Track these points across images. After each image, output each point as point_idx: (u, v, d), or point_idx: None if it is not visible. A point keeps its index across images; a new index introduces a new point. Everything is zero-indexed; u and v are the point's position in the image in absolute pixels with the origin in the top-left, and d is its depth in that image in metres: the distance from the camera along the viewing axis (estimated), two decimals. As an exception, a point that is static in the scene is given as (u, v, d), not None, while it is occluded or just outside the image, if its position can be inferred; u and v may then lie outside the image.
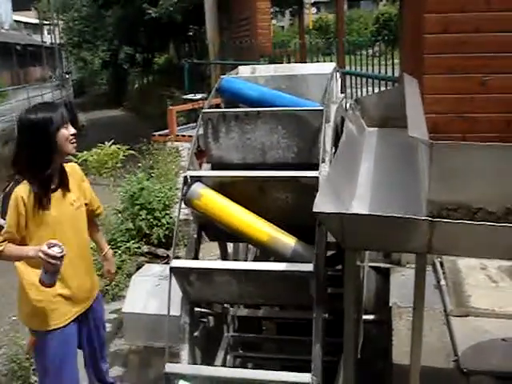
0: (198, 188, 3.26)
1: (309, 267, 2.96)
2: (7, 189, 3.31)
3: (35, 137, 3.31)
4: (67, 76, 42.38)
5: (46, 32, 51.41)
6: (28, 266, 3.42)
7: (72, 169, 3.62)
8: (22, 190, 3.28)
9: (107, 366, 4.02)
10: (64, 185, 3.48)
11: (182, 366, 3.23)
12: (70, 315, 3.57)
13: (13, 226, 3.28)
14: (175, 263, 3.23)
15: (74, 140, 3.42)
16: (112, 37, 29.95)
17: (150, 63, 32.04)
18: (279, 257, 3.16)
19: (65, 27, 39.27)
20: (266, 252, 3.40)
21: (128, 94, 35.27)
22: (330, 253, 3.49)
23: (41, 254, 3.10)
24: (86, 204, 3.69)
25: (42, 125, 3.29)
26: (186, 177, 3.31)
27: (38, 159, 3.32)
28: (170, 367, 3.16)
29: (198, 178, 3.33)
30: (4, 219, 3.26)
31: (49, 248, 3.09)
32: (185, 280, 3.24)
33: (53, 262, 3.10)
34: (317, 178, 3.05)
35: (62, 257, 3.12)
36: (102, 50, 32.11)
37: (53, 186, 3.42)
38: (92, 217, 3.84)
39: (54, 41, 42.70)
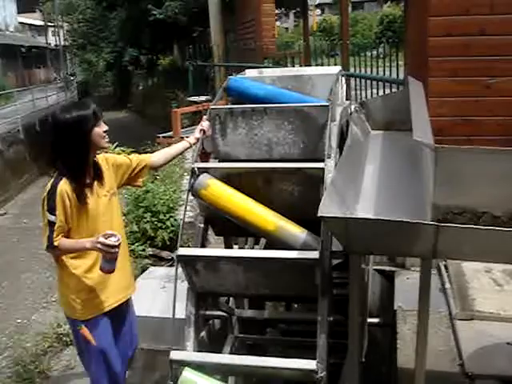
0: (205, 178, 3.29)
1: (314, 255, 2.97)
2: (49, 186, 3.39)
3: (71, 136, 3.40)
4: (72, 78, 42.48)
5: (50, 34, 51.56)
6: (69, 257, 3.51)
7: (101, 159, 3.68)
8: (66, 186, 3.38)
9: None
10: (99, 177, 3.57)
11: (187, 353, 3.23)
12: (108, 305, 3.63)
13: (63, 221, 3.38)
14: (182, 251, 3.24)
15: (106, 137, 3.51)
16: (116, 38, 29.96)
17: (155, 65, 32.04)
18: (286, 246, 3.17)
19: (69, 29, 39.36)
20: (273, 242, 3.40)
21: (132, 95, 35.31)
22: (336, 261, 3.49)
23: (99, 246, 3.22)
24: (133, 171, 3.76)
25: (78, 124, 3.37)
26: (193, 168, 3.34)
27: (74, 157, 3.42)
28: (175, 354, 3.15)
29: (206, 170, 3.36)
30: (53, 215, 3.34)
31: (106, 238, 3.22)
32: (191, 268, 3.25)
33: (112, 250, 3.23)
34: (322, 169, 3.07)
35: (118, 245, 3.25)
36: (107, 51, 32.11)
37: (88, 180, 3.51)
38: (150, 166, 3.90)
39: (58, 43, 42.80)
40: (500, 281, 4.38)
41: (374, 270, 4.60)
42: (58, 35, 42.75)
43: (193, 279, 3.30)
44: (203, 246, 3.54)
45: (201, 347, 3.44)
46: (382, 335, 4.45)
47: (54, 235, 3.35)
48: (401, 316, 4.14)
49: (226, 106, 3.68)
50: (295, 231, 3.17)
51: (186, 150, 3.88)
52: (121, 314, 3.79)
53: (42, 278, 8.99)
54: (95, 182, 3.54)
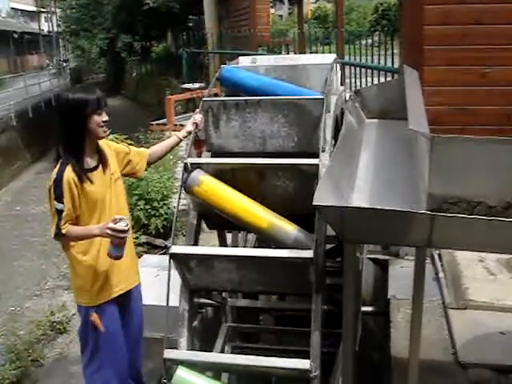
0: (198, 175, 3.26)
1: (308, 254, 2.96)
2: (55, 175, 3.37)
3: (69, 117, 3.40)
4: (65, 64, 42.19)
5: (43, 20, 51.15)
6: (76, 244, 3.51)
7: (104, 144, 3.66)
8: (69, 173, 3.37)
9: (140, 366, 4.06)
10: (103, 163, 3.55)
11: (181, 352, 3.23)
12: (112, 293, 3.63)
13: (71, 209, 3.36)
14: (175, 249, 3.23)
15: (105, 126, 3.47)
16: (110, 25, 29.75)
17: (148, 52, 31.87)
18: (279, 244, 3.16)
19: (62, 15, 38.97)
20: (266, 239, 3.39)
21: (126, 82, 35.14)
22: (329, 246, 3.48)
23: (108, 231, 3.21)
24: (129, 162, 3.75)
25: (77, 106, 3.36)
26: (186, 164, 3.31)
27: (72, 139, 3.42)
28: (168, 353, 3.16)
29: (198, 165, 3.33)
30: (61, 203, 3.33)
31: (115, 223, 3.21)
32: (184, 266, 3.24)
33: (122, 235, 3.22)
34: (317, 165, 3.04)
35: (127, 230, 3.24)
36: (100, 38, 31.86)
37: (94, 165, 3.50)
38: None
39: (51, 29, 42.47)
40: (493, 270, 4.39)
41: (368, 258, 4.60)
42: (51, 21, 42.42)
43: (186, 276, 3.29)
44: (196, 241, 3.51)
45: (194, 336, 3.44)
46: (376, 324, 4.46)
47: (62, 223, 3.33)
48: (394, 305, 4.16)
49: (218, 98, 3.64)
50: (288, 229, 3.15)
51: (178, 144, 3.86)
52: (130, 300, 3.78)
53: (35, 266, 8.98)
54: (100, 167, 3.52)
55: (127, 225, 3.24)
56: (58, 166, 3.40)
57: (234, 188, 3.26)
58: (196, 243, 3.52)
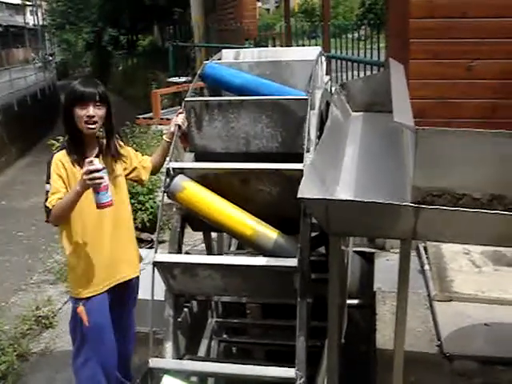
0: (180, 181, 3.21)
1: (293, 262, 2.93)
2: (50, 156, 3.41)
3: (64, 102, 3.45)
4: (50, 58, 41.86)
5: (28, 13, 50.73)
6: (63, 234, 3.49)
7: (116, 142, 3.65)
8: (61, 156, 3.38)
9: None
10: (103, 155, 3.50)
11: (166, 361, 3.22)
12: (102, 287, 3.60)
13: (57, 186, 3.32)
14: (158, 258, 3.19)
15: (89, 122, 3.37)
16: (96, 18, 29.68)
17: (134, 45, 31.79)
18: (263, 250, 3.14)
19: (48, 8, 38.84)
20: (250, 246, 3.38)
21: (112, 76, 34.98)
22: (313, 234, 3.48)
23: (85, 176, 3.08)
24: (134, 168, 3.73)
25: (67, 95, 3.42)
26: (168, 169, 3.25)
27: (66, 128, 3.44)
28: (154, 362, 3.15)
29: (181, 170, 3.28)
30: (48, 183, 3.33)
31: (89, 165, 3.08)
32: (168, 274, 3.22)
33: (98, 175, 3.07)
34: (301, 170, 2.98)
35: (103, 168, 3.10)
36: (86, 31, 31.81)
37: (90, 154, 3.44)
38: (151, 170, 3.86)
39: (36, 22, 42.09)
40: (478, 262, 4.42)
41: (354, 251, 4.61)
42: (37, 14, 42.02)
43: (170, 283, 3.27)
44: (180, 246, 3.48)
45: (180, 331, 3.43)
46: (362, 316, 4.48)
47: (49, 199, 3.29)
48: (380, 297, 4.18)
49: (201, 99, 3.59)
50: (272, 236, 3.12)
51: (169, 147, 3.78)
52: (125, 291, 3.75)
53: (21, 261, 8.93)
54: (100, 157, 3.46)
55: (101, 164, 3.11)
56: (55, 151, 3.43)
57: (217, 193, 3.22)
58: (180, 248, 3.49)
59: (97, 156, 3.47)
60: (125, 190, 3.72)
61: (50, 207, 3.29)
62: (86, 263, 3.53)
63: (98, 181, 3.09)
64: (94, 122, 3.39)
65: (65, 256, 3.65)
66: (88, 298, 3.55)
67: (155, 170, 3.90)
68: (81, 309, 3.53)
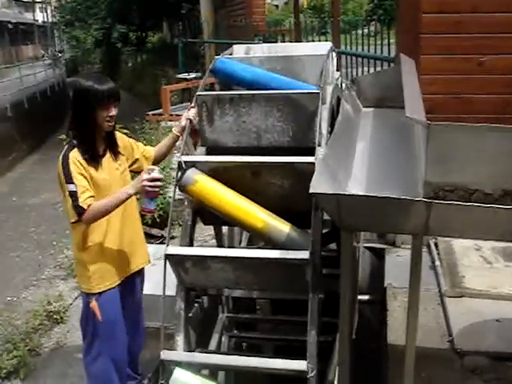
0: (192, 174, 3.22)
1: (305, 255, 2.93)
2: (61, 159, 3.35)
3: (78, 105, 3.40)
4: (60, 55, 41.96)
5: (38, 10, 50.92)
6: (82, 227, 3.47)
7: (117, 134, 3.68)
8: (76, 154, 3.35)
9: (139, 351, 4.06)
10: (111, 150, 3.55)
11: (178, 353, 3.22)
12: (117, 279, 3.64)
13: (86, 186, 3.33)
14: (170, 250, 3.20)
15: (111, 121, 3.43)
16: (105, 15, 29.63)
17: (144, 42, 31.78)
18: (274, 243, 3.14)
19: (57, 5, 38.86)
20: (262, 239, 3.38)
21: (121, 72, 35.01)
22: (324, 230, 3.48)
23: (145, 183, 3.19)
24: (136, 160, 3.76)
25: (86, 97, 3.34)
26: (180, 162, 3.26)
27: (80, 126, 3.41)
28: (165, 354, 3.16)
29: (193, 164, 3.29)
30: (71, 183, 3.29)
31: (149, 174, 3.20)
32: (180, 267, 3.22)
33: (158, 184, 3.23)
34: (313, 163, 2.98)
35: (162, 177, 3.26)
36: (95, 28, 31.76)
37: (101, 152, 3.49)
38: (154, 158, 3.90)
39: (46, 19, 42.23)
40: (489, 258, 4.41)
41: (365, 247, 4.61)
42: (46, 11, 42.17)
43: (182, 276, 3.27)
44: (191, 239, 3.49)
45: (191, 326, 3.43)
46: (373, 312, 4.47)
47: (80, 199, 3.27)
48: (391, 293, 4.17)
49: (212, 93, 3.59)
50: (284, 228, 3.12)
51: (177, 141, 3.83)
52: (134, 283, 3.80)
53: (32, 256, 8.96)
54: (108, 154, 3.52)
55: (161, 173, 3.26)
56: (62, 152, 3.38)
57: (229, 186, 3.22)
58: (191, 242, 3.50)
59: (105, 152, 3.51)
60: (130, 182, 3.74)
61: (86, 207, 3.28)
62: (100, 259, 3.55)
63: (157, 189, 3.24)
64: (114, 120, 3.46)
65: (76, 252, 3.63)
66: (101, 293, 3.57)
67: (156, 161, 3.92)
68: (94, 303, 3.55)
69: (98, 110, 3.34)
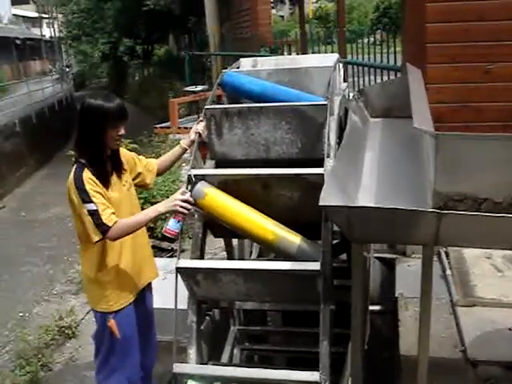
0: (202, 187, 3.24)
1: (316, 266, 2.93)
2: (72, 180, 3.29)
3: (88, 125, 3.34)
4: (67, 69, 42.16)
5: (45, 25, 51.26)
6: (98, 248, 3.45)
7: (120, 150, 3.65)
8: (89, 174, 3.30)
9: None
10: (117, 168, 3.52)
11: (191, 366, 3.23)
12: (133, 295, 3.63)
13: (106, 203, 3.28)
14: (181, 263, 3.21)
15: (119, 139, 3.43)
16: (111, 29, 29.82)
17: (150, 55, 31.95)
18: (285, 255, 3.15)
19: (64, 20, 39.12)
20: (272, 251, 3.39)
21: (128, 86, 35.19)
22: (334, 241, 3.48)
23: (177, 203, 3.16)
24: (139, 174, 3.74)
25: (96, 117, 3.30)
26: (189, 175, 3.28)
27: (90, 145, 3.36)
28: (178, 367, 3.16)
29: (202, 177, 3.30)
30: (90, 202, 3.23)
31: (183, 195, 3.18)
32: (191, 280, 3.23)
33: (189, 207, 3.18)
34: (322, 175, 3.00)
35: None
36: (102, 42, 31.93)
37: (108, 169, 3.46)
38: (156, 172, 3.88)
39: (53, 34, 42.45)
40: (501, 267, 4.39)
41: (375, 257, 4.60)
42: (53, 27, 42.37)
43: (193, 289, 3.28)
44: (202, 252, 3.50)
45: (202, 339, 3.44)
46: (384, 322, 4.46)
47: (104, 216, 3.23)
48: (402, 303, 4.16)
49: (221, 106, 3.61)
50: (294, 240, 3.13)
51: (183, 154, 3.84)
52: (143, 298, 3.78)
53: (43, 271, 8.99)
54: (114, 173, 3.49)
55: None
56: (72, 172, 3.32)
57: (238, 198, 3.23)
58: (202, 255, 3.51)
59: (112, 170, 3.49)
60: (137, 201, 3.77)
61: (111, 224, 3.24)
62: (118, 277, 3.53)
63: (186, 211, 3.19)
64: (121, 139, 3.47)
65: (90, 273, 3.58)
66: (118, 311, 3.56)
67: (160, 172, 3.92)
68: (112, 322, 3.53)
69: (108, 129, 3.31)
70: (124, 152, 3.71)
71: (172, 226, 3.23)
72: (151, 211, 3.34)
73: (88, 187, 3.26)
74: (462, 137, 2.87)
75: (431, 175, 2.79)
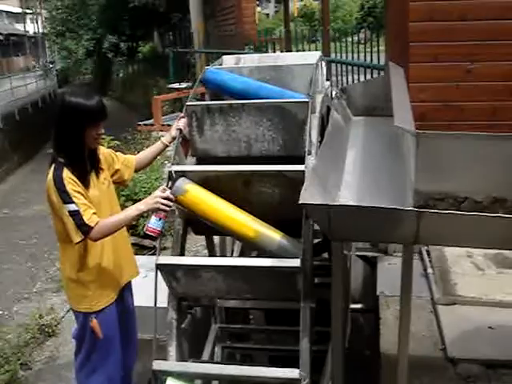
0: (182, 184, 3.21)
1: (296, 263, 2.93)
2: (52, 179, 3.22)
3: (66, 123, 3.28)
4: (51, 65, 41.91)
5: (28, 21, 50.88)
6: (79, 248, 3.40)
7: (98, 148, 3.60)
8: (69, 173, 3.23)
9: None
10: (96, 167, 3.48)
11: (170, 363, 3.21)
12: (114, 294, 3.60)
13: (87, 204, 3.22)
14: (161, 260, 3.19)
15: (98, 138, 3.40)
16: (96, 26, 29.72)
17: (135, 52, 31.81)
18: (266, 252, 3.14)
19: (48, 16, 38.86)
20: (253, 247, 3.38)
21: (113, 83, 35.04)
22: (316, 240, 3.47)
23: (158, 200, 3.12)
24: (117, 170, 3.69)
25: (75, 115, 3.24)
26: (170, 172, 3.27)
27: (69, 143, 3.29)
28: (157, 364, 3.14)
29: (183, 173, 3.28)
30: (71, 203, 3.17)
31: (163, 192, 3.14)
32: (171, 276, 3.22)
33: (170, 204, 3.15)
34: (303, 171, 3.00)
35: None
36: (86, 39, 31.81)
37: (88, 168, 3.41)
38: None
39: (36, 30, 42.18)
40: (481, 265, 4.41)
41: (356, 255, 4.61)
42: (37, 22, 42.12)
43: (173, 285, 3.26)
44: (182, 249, 3.48)
45: (183, 337, 3.42)
46: (365, 321, 4.47)
47: (85, 217, 3.17)
48: (383, 301, 4.16)
49: (202, 103, 3.60)
50: (275, 237, 3.12)
51: (164, 150, 3.81)
52: (123, 296, 3.75)
53: (23, 269, 8.93)
54: (93, 172, 3.44)
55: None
56: (51, 171, 3.26)
57: (219, 195, 3.22)
58: (182, 252, 3.49)
59: (91, 168, 3.43)
60: (116, 199, 3.74)
61: (93, 225, 3.20)
62: (100, 277, 3.49)
63: (167, 208, 3.15)
64: (100, 138, 3.44)
65: (71, 273, 3.52)
66: (100, 311, 3.53)
67: (139, 168, 3.89)
68: (94, 322, 3.49)
69: (88, 128, 3.26)
70: (101, 149, 3.66)
71: (154, 224, 3.18)
72: (132, 210, 3.30)
73: (69, 187, 3.20)
74: (442, 135, 2.88)
75: (412, 174, 2.80)
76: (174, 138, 3.55)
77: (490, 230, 2.27)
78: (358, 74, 7.82)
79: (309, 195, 2.35)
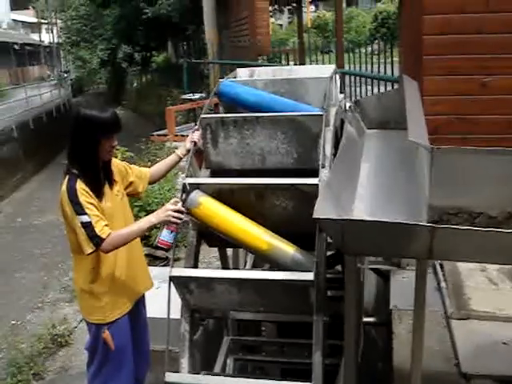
0: (196, 196, 3.23)
1: (309, 276, 2.92)
2: (66, 191, 3.25)
3: (81, 135, 3.31)
4: (65, 75, 42.26)
5: (44, 31, 51.35)
6: (92, 259, 3.41)
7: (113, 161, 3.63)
8: (82, 185, 3.26)
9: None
10: (109, 178, 3.50)
11: (182, 375, 3.21)
12: (127, 306, 3.61)
13: (99, 215, 3.25)
14: (174, 272, 3.20)
15: (112, 150, 3.42)
16: (110, 36, 29.90)
17: (149, 62, 32.01)
18: (279, 265, 3.13)
19: (63, 26, 39.23)
20: (266, 260, 3.37)
21: (127, 93, 35.26)
22: (329, 253, 3.46)
23: (169, 213, 3.14)
24: (131, 183, 3.71)
25: (89, 128, 3.27)
26: (184, 184, 3.28)
27: (83, 155, 3.32)
28: (169, 376, 3.14)
29: (197, 186, 3.29)
30: (84, 214, 3.20)
31: (175, 205, 3.16)
32: (184, 288, 3.22)
33: (182, 217, 3.17)
34: (317, 185, 3.00)
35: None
36: (101, 48, 32.00)
37: (101, 180, 3.43)
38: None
39: (52, 40, 42.56)
40: (495, 280, 4.37)
41: (370, 269, 4.59)
42: (52, 32, 42.49)
43: (186, 297, 3.27)
44: (196, 261, 3.49)
45: (195, 349, 3.42)
46: (378, 335, 4.44)
47: (97, 229, 3.20)
48: (396, 315, 4.13)
49: (217, 116, 3.61)
50: (288, 250, 3.11)
51: (178, 162, 3.82)
52: (137, 308, 3.76)
53: (37, 278, 8.96)
54: (106, 184, 3.46)
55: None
56: (65, 183, 3.29)
57: (233, 208, 3.22)
58: (196, 264, 3.50)
59: (104, 180, 3.45)
60: (130, 211, 3.75)
61: (105, 236, 3.22)
62: (113, 288, 3.51)
63: (178, 221, 3.17)
64: (114, 150, 3.46)
65: (83, 284, 3.54)
66: (112, 322, 3.53)
67: (153, 180, 3.90)
68: (107, 334, 3.50)
69: (102, 140, 3.29)
70: (116, 162, 3.68)
71: (165, 236, 3.23)
72: (144, 222, 3.32)
73: (82, 199, 3.23)
74: (456, 150, 2.87)
75: (426, 188, 2.79)
76: (188, 151, 3.57)
77: (504, 245, 2.26)
78: (372, 86, 7.82)
79: (322, 209, 2.34)
